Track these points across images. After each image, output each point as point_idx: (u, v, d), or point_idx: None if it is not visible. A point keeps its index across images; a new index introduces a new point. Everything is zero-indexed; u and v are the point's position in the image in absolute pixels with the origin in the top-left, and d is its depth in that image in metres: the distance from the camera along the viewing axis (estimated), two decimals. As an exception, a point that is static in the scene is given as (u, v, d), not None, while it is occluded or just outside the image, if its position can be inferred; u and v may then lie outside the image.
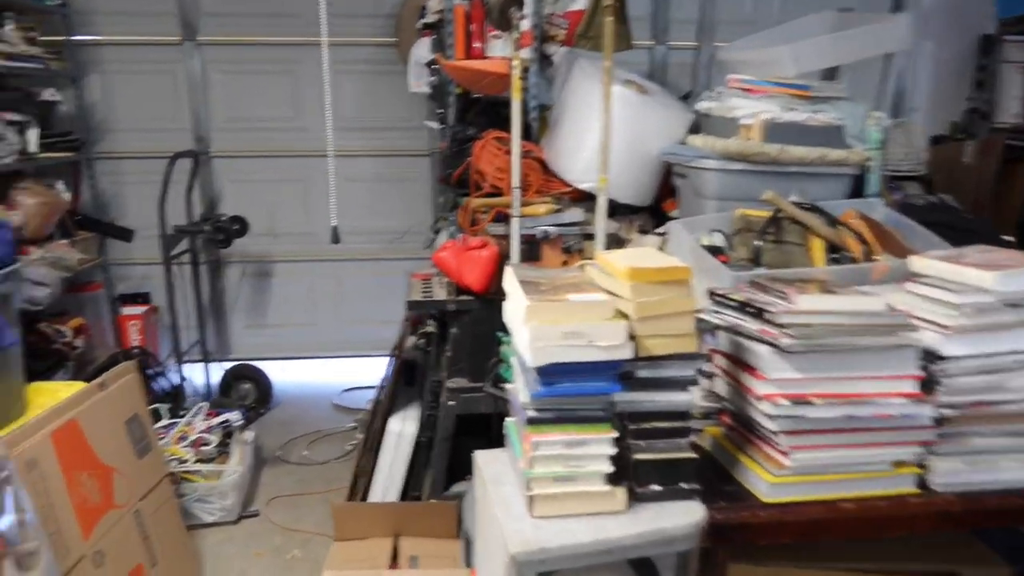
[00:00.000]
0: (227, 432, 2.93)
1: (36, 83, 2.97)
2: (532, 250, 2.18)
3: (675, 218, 2.16)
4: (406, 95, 3.52)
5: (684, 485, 1.26)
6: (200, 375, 3.53)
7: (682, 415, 1.26)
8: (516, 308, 1.29)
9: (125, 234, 3.32)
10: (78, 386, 2.13)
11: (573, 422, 1.23)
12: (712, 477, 1.36)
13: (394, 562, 2.13)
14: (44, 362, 2.67)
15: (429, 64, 2.97)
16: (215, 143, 3.91)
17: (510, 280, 1.36)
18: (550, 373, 1.20)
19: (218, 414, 2.92)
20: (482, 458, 1.50)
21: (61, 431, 1.90)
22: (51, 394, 2.11)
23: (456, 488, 2.40)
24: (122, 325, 3.42)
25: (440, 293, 2.31)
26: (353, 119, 3.89)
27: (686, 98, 2.72)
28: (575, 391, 1.21)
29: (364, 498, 2.37)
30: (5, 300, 1.86)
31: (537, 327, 1.18)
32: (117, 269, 3.92)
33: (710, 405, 1.43)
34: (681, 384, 1.25)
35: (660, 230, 2.12)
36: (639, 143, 2.25)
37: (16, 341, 1.78)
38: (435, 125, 2.99)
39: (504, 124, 2.16)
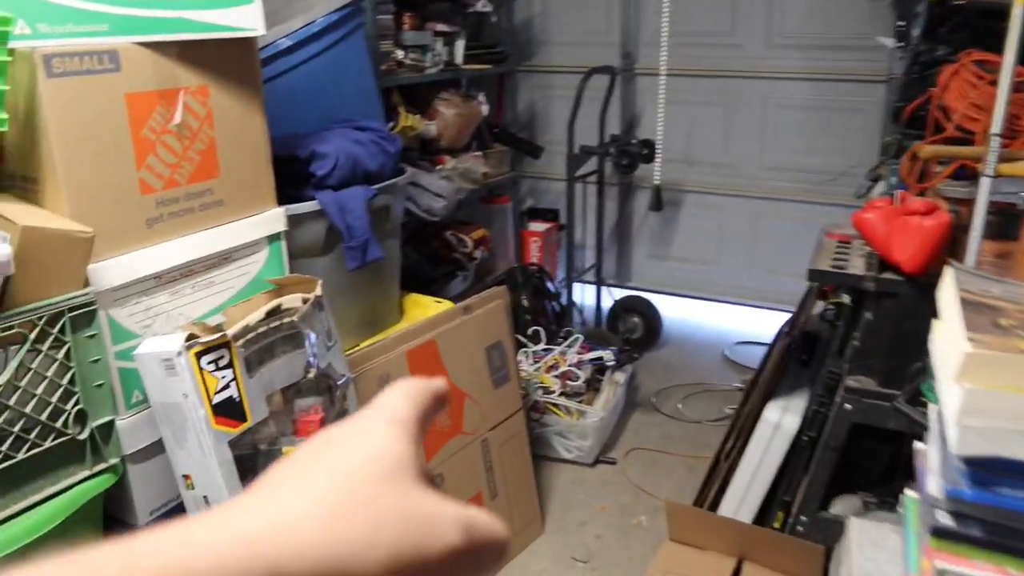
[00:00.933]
0: (599, 368, 2.79)
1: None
2: (1006, 227, 1.52)
3: None
4: (862, 5, 2.84)
5: None
6: (591, 300, 3.44)
7: None
8: (947, 342, 0.79)
9: (535, 150, 3.30)
10: (446, 306, 2.11)
11: (1018, 556, 0.72)
12: None
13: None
14: (442, 268, 2.77)
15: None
16: (641, 59, 3.66)
17: (947, 288, 0.86)
18: (989, 469, 0.70)
19: (591, 349, 2.78)
20: (856, 528, 1.04)
21: (418, 350, 1.88)
22: (423, 308, 2.12)
23: (836, 508, 1.91)
24: (525, 240, 3.45)
25: (857, 265, 1.77)
26: (794, 34, 3.31)
27: None
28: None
29: (720, 493, 2.01)
30: (384, 213, 1.85)
31: (977, 393, 0.69)
32: (530, 184, 3.99)
33: None
34: None
35: None
36: None
37: (382, 255, 1.76)
38: (891, 43, 2.32)
39: (992, 43, 1.50)
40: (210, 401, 1.25)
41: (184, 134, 1.35)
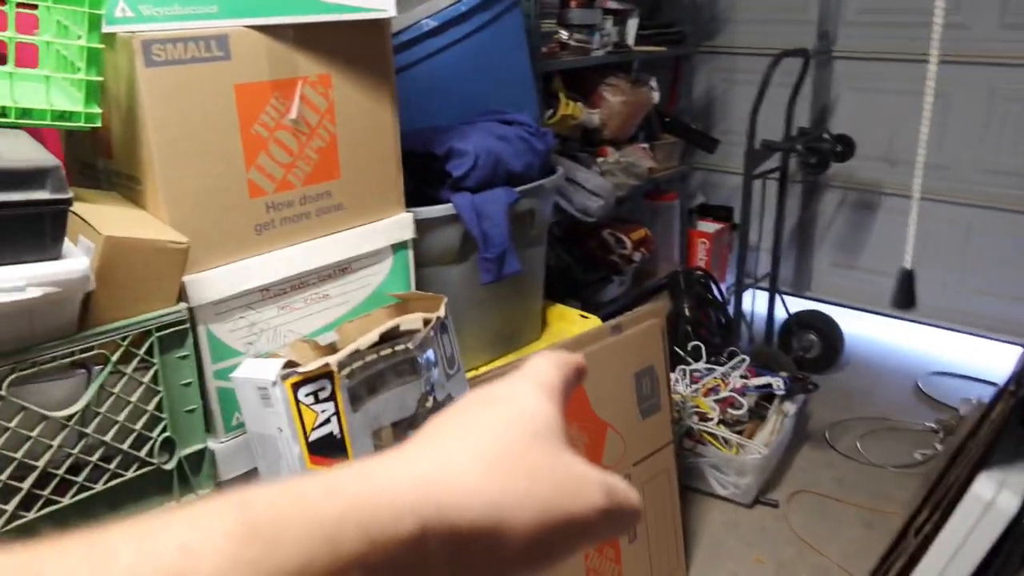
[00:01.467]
0: (766, 396, 2.46)
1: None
2: None
3: None
4: None
5: None
6: (763, 309, 3.08)
7: None
8: None
9: (709, 144, 2.97)
10: (593, 323, 1.88)
11: None
12: None
13: None
14: (596, 272, 2.53)
15: None
16: (840, 39, 3.21)
17: None
18: None
19: (758, 374, 2.45)
20: None
21: (556, 374, 1.67)
22: (567, 323, 1.91)
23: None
24: (691, 241, 3.14)
25: None
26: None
27: None
28: None
29: (906, 571, 1.66)
30: (529, 218, 1.64)
31: None
32: (702, 177, 3.64)
33: None
34: None
35: None
36: None
37: (520, 269, 1.55)
38: None
39: None
40: (306, 438, 1.10)
41: (301, 130, 1.19)
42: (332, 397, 1.12)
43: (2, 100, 0.93)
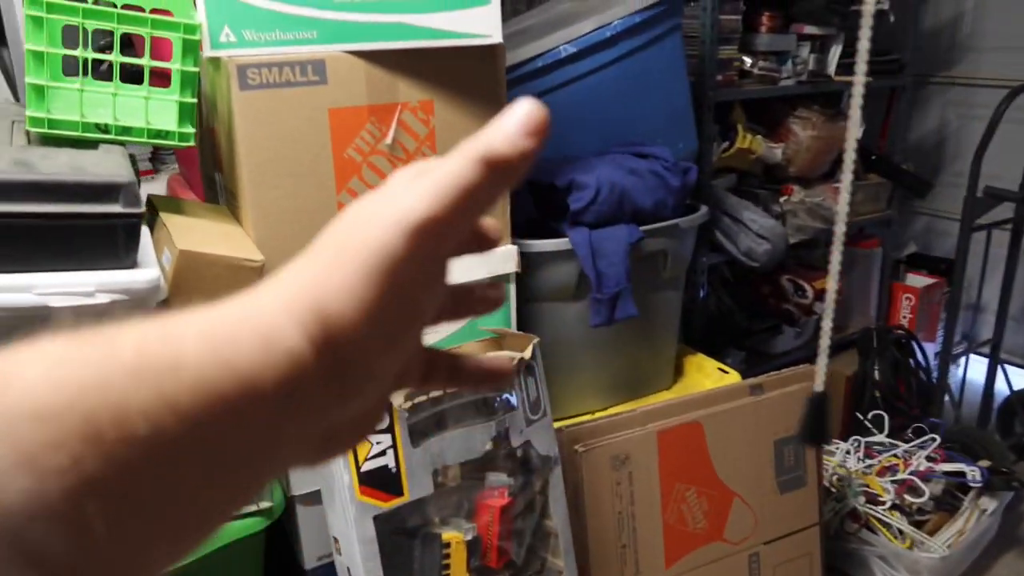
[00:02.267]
0: (960, 487, 2.09)
1: (860, -12, 2.44)
2: None
3: None
4: None
5: None
6: (981, 382, 2.64)
7: None
8: None
9: (920, 187, 2.60)
10: (732, 378, 1.70)
11: None
12: None
13: None
14: (763, 320, 2.31)
15: None
16: (1112, 71, 2.69)
17: None
18: None
19: (950, 458, 2.09)
20: None
21: (675, 431, 1.52)
22: (704, 375, 1.74)
23: None
24: (895, 295, 2.77)
25: None
26: None
27: None
28: None
29: None
30: (660, 259, 1.52)
31: None
32: (926, 224, 3.22)
33: None
34: None
35: None
36: None
37: (635, 313, 1.43)
38: None
39: None
40: (357, 468, 1.07)
41: (398, 156, 1.18)
42: (390, 429, 1.09)
43: (105, 117, 1.00)
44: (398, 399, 1.09)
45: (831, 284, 0.81)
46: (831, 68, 2.35)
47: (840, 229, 0.79)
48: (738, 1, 2.04)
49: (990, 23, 2.97)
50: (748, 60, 2.15)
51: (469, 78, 1.21)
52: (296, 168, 1.11)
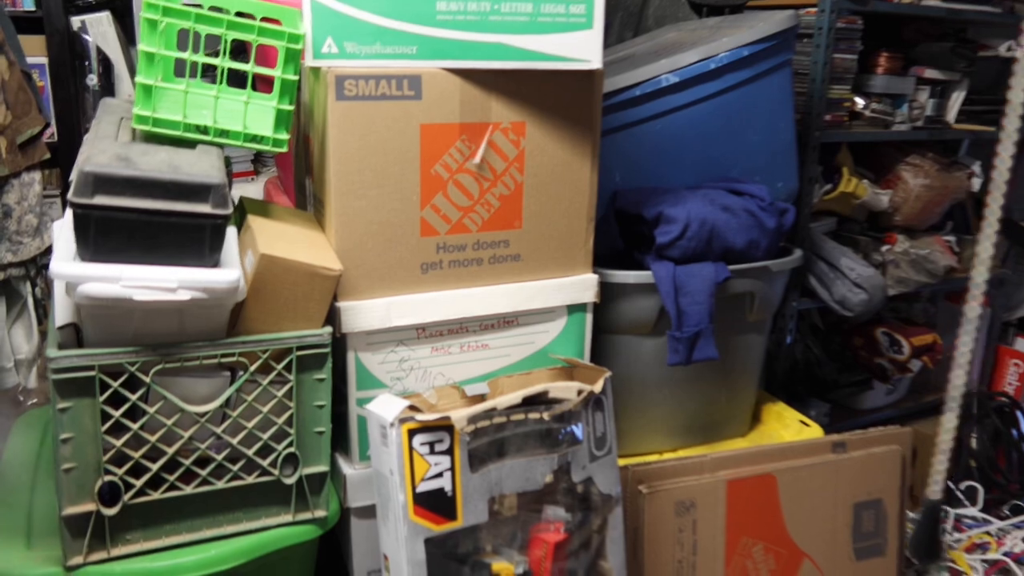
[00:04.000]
0: (1058, 574, 1.93)
1: (986, 34, 2.29)
2: None
3: None
4: None
5: None
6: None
7: None
8: None
9: (1030, 243, 2.43)
10: (814, 432, 1.61)
11: None
12: None
13: None
14: (853, 374, 2.19)
15: None
16: None
17: None
18: None
19: (1050, 544, 1.93)
20: None
21: (747, 482, 1.45)
22: (783, 425, 1.66)
23: None
24: (1001, 359, 2.59)
25: None
26: None
27: None
28: None
29: None
30: (748, 300, 1.47)
31: None
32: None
33: None
34: None
35: None
36: None
37: (713, 356, 1.38)
38: None
39: None
40: (413, 487, 1.06)
41: (485, 175, 1.17)
42: (450, 452, 1.08)
43: (205, 119, 1.03)
44: (461, 422, 1.07)
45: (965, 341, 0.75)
46: (951, 115, 2.23)
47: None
48: (855, 40, 1.95)
49: None
50: (861, 101, 2.05)
51: (564, 102, 1.19)
52: (383, 180, 1.11)
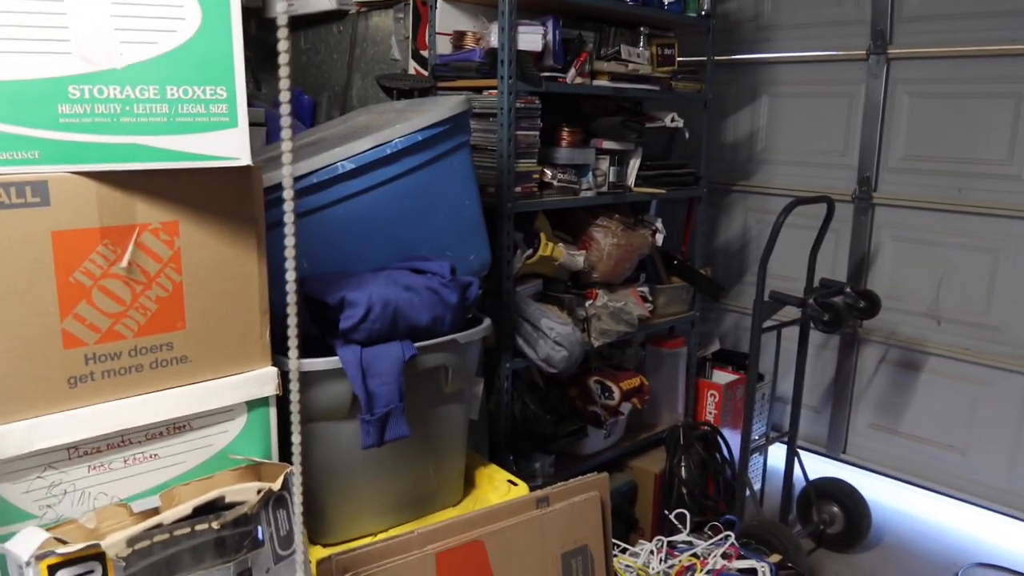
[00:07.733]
0: (755, 583, 2.16)
1: (655, 107, 2.62)
2: None
3: None
4: None
5: None
6: (781, 471, 2.78)
7: None
8: None
9: (714, 290, 2.77)
10: (520, 491, 1.69)
11: None
12: None
13: None
14: (567, 424, 2.34)
15: None
16: (882, 187, 3.01)
17: None
18: None
19: (743, 556, 2.16)
20: None
21: (456, 552, 1.48)
22: (494, 488, 1.73)
23: None
24: (700, 391, 2.90)
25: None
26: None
27: None
28: None
29: None
30: (441, 374, 1.52)
31: None
32: (735, 321, 3.43)
33: None
34: None
35: None
36: None
37: (405, 434, 1.41)
38: None
39: None
40: (60, 630, 0.96)
41: (136, 278, 1.12)
42: (104, 582, 0.99)
43: None
44: (115, 547, 0.99)
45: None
46: (631, 179, 2.49)
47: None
48: (535, 118, 2.13)
49: (782, 139, 3.27)
50: (549, 172, 2.24)
51: (219, 198, 1.17)
52: (10, 294, 1.02)
